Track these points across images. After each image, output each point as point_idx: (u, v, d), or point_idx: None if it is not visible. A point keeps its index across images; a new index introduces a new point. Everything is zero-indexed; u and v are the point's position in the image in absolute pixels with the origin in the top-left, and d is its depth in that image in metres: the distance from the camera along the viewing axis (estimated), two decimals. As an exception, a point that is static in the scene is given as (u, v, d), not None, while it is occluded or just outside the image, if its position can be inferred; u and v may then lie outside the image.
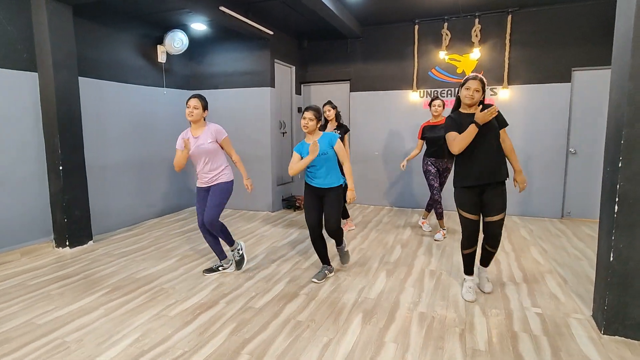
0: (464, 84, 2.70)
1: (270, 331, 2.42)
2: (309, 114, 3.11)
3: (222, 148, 3.25)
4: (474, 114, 2.65)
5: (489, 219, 2.72)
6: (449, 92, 5.60)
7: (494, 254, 2.87)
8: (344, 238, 3.32)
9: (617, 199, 2.24)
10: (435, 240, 4.25)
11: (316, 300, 2.84)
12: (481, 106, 2.65)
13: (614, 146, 2.34)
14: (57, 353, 2.20)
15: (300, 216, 5.52)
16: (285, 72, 6.05)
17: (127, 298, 2.90)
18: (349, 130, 4.60)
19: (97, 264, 3.61)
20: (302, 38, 6.19)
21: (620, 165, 2.22)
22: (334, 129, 4.46)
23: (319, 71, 6.31)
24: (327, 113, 4.45)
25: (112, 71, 4.68)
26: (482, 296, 2.87)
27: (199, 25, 5.05)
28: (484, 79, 2.70)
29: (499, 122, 2.72)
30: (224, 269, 3.37)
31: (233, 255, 3.41)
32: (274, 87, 5.61)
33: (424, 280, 3.19)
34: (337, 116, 4.52)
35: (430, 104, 4.31)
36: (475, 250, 2.84)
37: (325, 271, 3.25)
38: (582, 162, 5.15)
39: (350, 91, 6.15)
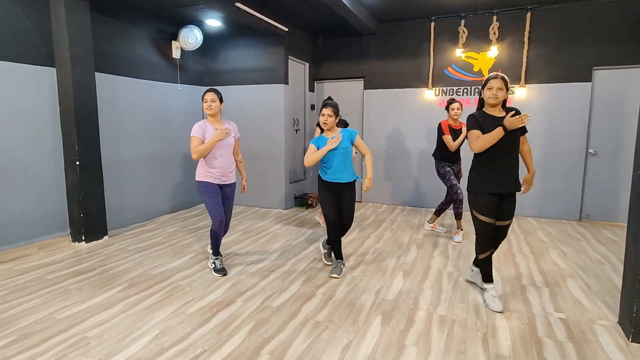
0: (485, 84, 2.65)
1: (289, 331, 2.40)
2: (327, 111, 3.14)
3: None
4: (498, 116, 2.61)
5: (500, 223, 2.73)
6: (465, 90, 5.52)
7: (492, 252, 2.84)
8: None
9: (649, 203, 2.16)
10: (455, 242, 4.16)
11: (333, 300, 2.82)
12: (513, 112, 2.55)
13: (646, 148, 2.26)
14: (77, 349, 2.20)
15: (313, 214, 5.49)
16: (298, 69, 6.01)
17: (144, 294, 2.90)
18: (347, 125, 4.47)
19: (113, 260, 3.62)
20: (316, 35, 6.14)
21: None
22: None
23: (333, 68, 6.26)
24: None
25: (128, 67, 4.68)
26: (503, 299, 2.81)
27: (214, 22, 5.03)
28: (506, 77, 2.63)
29: (521, 128, 2.63)
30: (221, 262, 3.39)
31: (216, 263, 3.33)
32: (287, 84, 5.57)
33: (442, 282, 3.15)
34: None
35: (447, 108, 4.20)
36: (491, 254, 2.77)
37: (341, 266, 3.31)
38: (602, 164, 5.05)
39: (365, 89, 6.09)
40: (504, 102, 2.69)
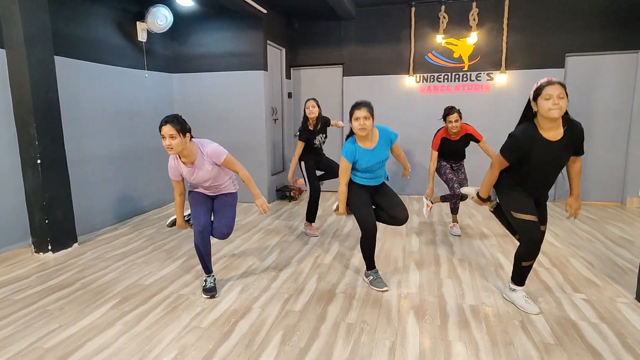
0: (539, 93, 2.10)
1: (324, 337, 2.20)
2: (362, 112, 2.52)
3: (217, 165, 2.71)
4: (554, 141, 2.17)
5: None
6: (446, 77, 5.54)
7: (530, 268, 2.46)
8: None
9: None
10: (454, 235, 3.97)
11: (357, 299, 2.65)
12: (566, 128, 2.17)
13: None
14: (83, 383, 1.85)
15: (298, 207, 5.27)
16: (275, 55, 5.68)
17: (143, 309, 2.54)
18: (328, 122, 4.02)
19: (92, 270, 3.17)
20: (292, 18, 5.83)
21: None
22: (315, 127, 3.88)
23: (310, 54, 6.00)
24: (311, 109, 3.82)
25: (89, 50, 4.10)
26: (529, 281, 2.80)
27: (185, 1, 4.56)
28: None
29: (575, 147, 2.26)
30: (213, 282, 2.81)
31: (207, 281, 2.76)
32: (267, 70, 5.24)
33: (456, 271, 3.10)
34: (319, 116, 3.89)
35: (444, 118, 3.68)
36: (533, 263, 2.42)
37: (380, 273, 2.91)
38: (573, 146, 5.31)
39: (343, 75, 5.91)
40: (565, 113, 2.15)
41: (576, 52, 5.08)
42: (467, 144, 3.82)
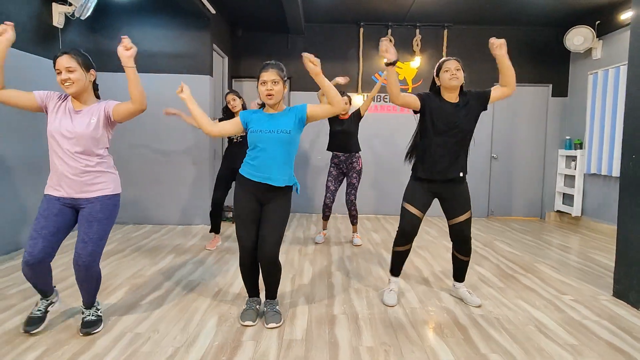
0: (440, 67, 2.35)
1: (349, 367, 1.81)
2: (270, 74, 2.05)
3: (111, 125, 2.07)
4: (454, 102, 2.36)
5: (454, 220, 2.42)
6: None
7: (466, 263, 2.52)
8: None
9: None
10: (317, 242, 3.97)
11: (362, 319, 2.31)
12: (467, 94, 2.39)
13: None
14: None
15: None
16: (218, 62, 5.22)
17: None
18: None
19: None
20: (236, 25, 5.48)
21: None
22: None
23: (255, 65, 5.64)
24: (232, 103, 3.63)
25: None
26: (515, 286, 2.79)
27: (121, -14, 3.93)
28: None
29: (480, 99, 2.38)
30: (52, 304, 2.12)
31: (88, 314, 2.07)
32: (212, 75, 4.75)
33: (429, 282, 2.97)
34: (244, 108, 3.66)
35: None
36: (407, 250, 2.48)
37: (257, 306, 2.29)
38: (501, 166, 5.84)
39: (290, 90, 5.70)
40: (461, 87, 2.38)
41: (502, 82, 5.67)
42: (357, 127, 3.88)
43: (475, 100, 2.40)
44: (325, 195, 3.94)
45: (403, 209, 2.45)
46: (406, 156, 2.56)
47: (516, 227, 5.12)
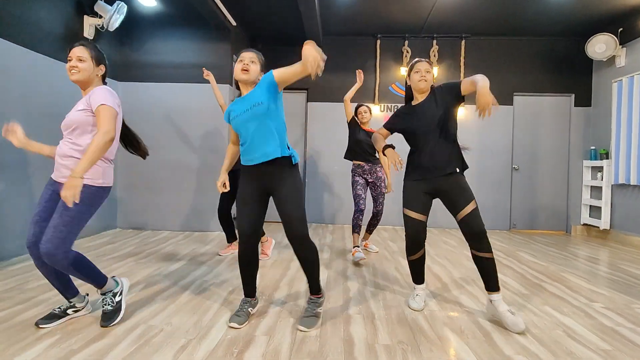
0: (411, 69, 2.36)
1: (364, 363, 1.73)
2: (249, 54, 2.05)
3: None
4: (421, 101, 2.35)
5: (460, 214, 2.22)
6: (409, 108, 5.68)
7: (491, 261, 2.18)
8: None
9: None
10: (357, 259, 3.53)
11: (378, 319, 2.23)
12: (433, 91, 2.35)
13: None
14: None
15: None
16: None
17: (103, 345, 1.82)
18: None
19: (8, 304, 2.29)
20: (255, 40, 5.64)
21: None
22: None
23: (274, 78, 5.77)
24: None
25: (22, 31, 3.38)
26: (542, 294, 2.66)
27: (148, 0, 4.11)
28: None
29: (450, 91, 2.29)
30: (75, 310, 2.11)
31: (103, 301, 2.07)
32: (232, 85, 4.87)
33: (448, 287, 2.86)
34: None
35: (355, 112, 3.91)
36: (421, 257, 2.39)
37: (250, 309, 2.19)
38: (523, 177, 5.68)
39: (308, 101, 5.77)
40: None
41: (522, 92, 5.60)
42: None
43: (446, 93, 2.31)
44: (359, 203, 3.65)
45: (405, 215, 2.36)
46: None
47: (540, 240, 4.92)
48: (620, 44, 4.87)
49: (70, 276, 2.08)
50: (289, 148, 2.09)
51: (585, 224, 5.43)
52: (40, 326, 1.99)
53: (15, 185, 3.33)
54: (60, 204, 1.87)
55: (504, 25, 5.16)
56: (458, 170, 2.29)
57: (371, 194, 3.83)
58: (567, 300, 2.62)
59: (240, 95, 2.15)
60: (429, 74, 2.33)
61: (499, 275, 3.17)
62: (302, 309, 2.32)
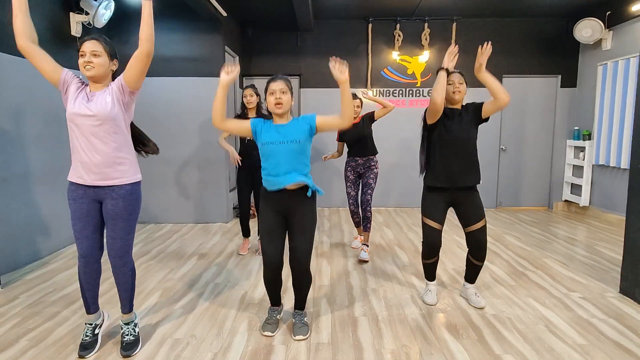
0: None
1: (374, 370, 1.98)
2: (278, 84, 2.13)
3: (124, 104, 2.00)
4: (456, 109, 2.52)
5: (470, 228, 2.52)
6: (400, 92, 5.74)
7: (480, 267, 2.62)
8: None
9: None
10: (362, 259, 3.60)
11: (382, 321, 2.47)
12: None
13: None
14: None
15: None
16: (229, 61, 5.27)
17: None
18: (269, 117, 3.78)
19: (38, 321, 2.45)
20: (246, 26, 5.52)
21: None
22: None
23: (265, 64, 5.73)
24: (249, 99, 3.57)
25: (11, 41, 3.29)
26: (526, 284, 2.94)
27: (134, -6, 3.99)
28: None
29: (476, 111, 2.50)
30: (100, 326, 2.18)
31: (127, 329, 2.12)
32: (225, 78, 4.83)
33: (443, 281, 3.12)
34: (259, 106, 3.60)
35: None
36: (436, 260, 2.65)
37: (278, 316, 2.40)
38: (510, 158, 5.91)
39: (300, 87, 5.77)
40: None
41: (511, 74, 5.69)
42: (370, 129, 3.79)
43: (471, 112, 2.53)
44: (349, 202, 3.78)
45: (424, 224, 2.58)
46: (421, 170, 2.66)
47: (524, 219, 5.23)
48: (607, 27, 4.95)
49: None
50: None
51: (566, 200, 5.76)
52: (86, 357, 2.04)
53: (20, 197, 3.38)
54: (117, 215, 1.97)
55: (495, 7, 5.15)
56: (478, 184, 2.53)
57: (361, 182, 3.79)
58: (549, 291, 2.90)
59: (270, 118, 2.24)
60: (462, 85, 2.46)
61: (488, 264, 3.44)
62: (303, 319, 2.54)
